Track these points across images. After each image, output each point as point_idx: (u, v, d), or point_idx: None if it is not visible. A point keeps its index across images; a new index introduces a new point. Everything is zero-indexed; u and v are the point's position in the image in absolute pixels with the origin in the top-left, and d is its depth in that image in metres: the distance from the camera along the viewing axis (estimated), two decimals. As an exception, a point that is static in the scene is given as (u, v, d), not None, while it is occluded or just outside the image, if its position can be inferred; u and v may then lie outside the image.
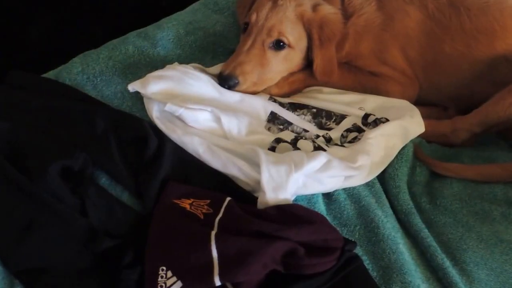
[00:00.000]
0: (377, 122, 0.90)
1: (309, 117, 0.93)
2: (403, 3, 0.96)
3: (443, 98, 1.02)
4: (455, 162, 0.90)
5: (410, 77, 0.99)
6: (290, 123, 0.91)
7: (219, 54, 1.02)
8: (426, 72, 0.98)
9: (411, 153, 0.88)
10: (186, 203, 0.78)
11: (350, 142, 0.88)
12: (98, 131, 0.86)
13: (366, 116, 0.92)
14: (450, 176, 0.89)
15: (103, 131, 0.86)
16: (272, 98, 0.95)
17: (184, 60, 0.99)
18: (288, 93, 0.99)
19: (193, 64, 0.96)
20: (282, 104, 0.94)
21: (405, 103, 0.95)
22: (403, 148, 0.88)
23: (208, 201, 0.78)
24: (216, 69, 0.96)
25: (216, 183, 0.81)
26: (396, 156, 0.86)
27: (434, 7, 0.95)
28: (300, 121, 0.92)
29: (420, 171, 0.87)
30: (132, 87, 0.89)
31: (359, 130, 0.90)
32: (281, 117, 0.92)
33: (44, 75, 0.99)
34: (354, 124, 0.91)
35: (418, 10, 0.95)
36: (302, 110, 0.94)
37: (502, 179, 0.87)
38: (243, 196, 0.80)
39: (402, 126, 0.88)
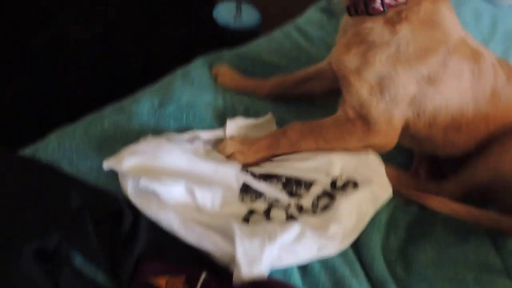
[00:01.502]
0: (345, 186, 0.92)
1: (280, 186, 0.94)
2: None
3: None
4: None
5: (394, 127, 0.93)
6: (262, 193, 0.93)
7: (191, 125, 1.04)
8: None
9: (383, 219, 0.90)
10: (161, 282, 0.78)
11: (321, 209, 0.89)
12: (73, 208, 0.86)
13: (334, 181, 0.94)
14: (438, 210, 0.90)
15: (78, 208, 0.86)
16: (245, 169, 0.97)
17: (158, 132, 1.00)
18: (254, 162, 0.98)
19: (168, 135, 0.98)
20: (253, 175, 0.96)
21: (371, 159, 0.95)
22: (376, 214, 0.89)
23: (184, 276, 0.78)
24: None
25: (192, 258, 0.81)
26: (369, 223, 0.87)
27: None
28: (272, 191, 0.93)
29: (395, 237, 0.88)
30: (107, 165, 0.90)
31: (330, 196, 0.91)
32: (253, 187, 0.93)
33: (20, 153, 0.99)
34: (323, 190, 0.92)
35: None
36: (272, 180, 0.95)
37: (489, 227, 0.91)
38: (219, 271, 0.79)
39: (371, 192, 0.90)
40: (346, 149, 0.95)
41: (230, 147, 0.98)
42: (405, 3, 0.86)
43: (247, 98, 1.12)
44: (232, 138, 1.01)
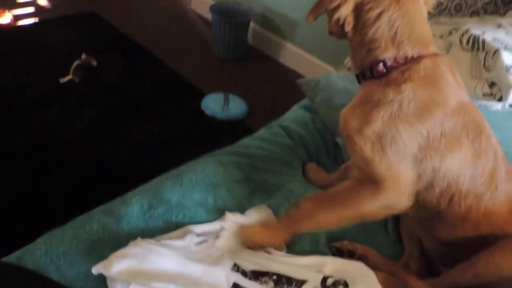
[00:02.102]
0: (336, 285, 0.91)
1: (271, 284, 0.93)
2: None
3: None
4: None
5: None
6: None
7: (181, 225, 1.04)
8: None
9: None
10: None
11: (314, 311, 0.88)
12: (58, 319, 0.83)
13: (324, 279, 0.93)
14: None
15: (64, 320, 0.83)
16: (236, 267, 0.96)
17: (147, 234, 1.00)
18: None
19: (158, 237, 0.98)
20: (244, 273, 0.95)
21: (361, 266, 0.96)
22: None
23: None
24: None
25: None
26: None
27: None
28: None
29: None
30: (96, 270, 0.89)
31: (321, 296, 0.90)
32: (244, 287, 0.92)
33: (6, 258, 0.97)
34: None
35: None
36: (263, 278, 0.94)
37: None
38: None
39: None
40: (364, 214, 0.95)
41: (256, 234, 1.00)
42: (405, 64, 0.91)
43: (240, 195, 1.13)
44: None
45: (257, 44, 3.23)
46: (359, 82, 1.00)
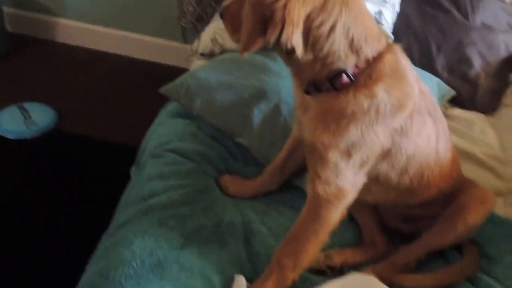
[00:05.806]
0: None
1: None
2: None
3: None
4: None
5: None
6: None
7: None
8: None
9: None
10: None
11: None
12: None
13: None
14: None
15: None
16: None
17: None
18: None
19: None
20: None
21: (359, 277, 0.95)
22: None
23: None
24: None
25: None
26: None
27: None
28: None
29: None
30: None
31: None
32: None
33: None
34: None
35: None
36: None
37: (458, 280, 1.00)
38: None
39: None
40: (335, 225, 0.95)
41: None
42: (368, 66, 0.86)
43: (195, 264, 0.94)
44: None
45: (21, 29, 2.62)
46: (309, 94, 0.91)
